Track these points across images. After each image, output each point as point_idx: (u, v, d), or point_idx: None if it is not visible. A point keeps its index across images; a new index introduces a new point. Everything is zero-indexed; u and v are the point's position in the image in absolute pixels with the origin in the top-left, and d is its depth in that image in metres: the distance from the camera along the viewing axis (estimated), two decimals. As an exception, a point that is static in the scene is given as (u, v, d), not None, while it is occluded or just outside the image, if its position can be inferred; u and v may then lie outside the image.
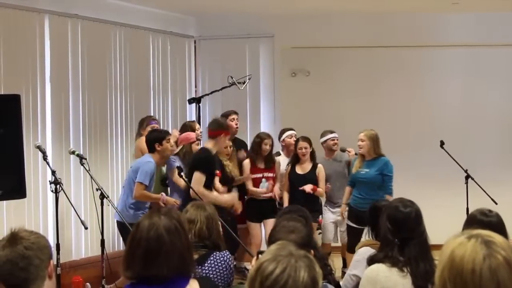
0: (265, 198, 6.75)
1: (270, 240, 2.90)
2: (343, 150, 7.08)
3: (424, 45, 8.33)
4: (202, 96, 7.48)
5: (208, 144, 5.75)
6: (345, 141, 7.09)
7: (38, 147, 5.29)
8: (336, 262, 6.81)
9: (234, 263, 6.01)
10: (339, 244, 7.15)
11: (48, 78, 6.52)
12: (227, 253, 3.52)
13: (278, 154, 7.15)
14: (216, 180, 6.03)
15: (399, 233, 3.14)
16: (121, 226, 5.74)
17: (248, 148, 7.14)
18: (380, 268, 3.11)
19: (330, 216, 6.94)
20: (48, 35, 6.52)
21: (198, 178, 5.45)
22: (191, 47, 8.39)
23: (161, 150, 5.94)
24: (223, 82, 7.49)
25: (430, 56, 8.45)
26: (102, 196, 5.19)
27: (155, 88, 7.83)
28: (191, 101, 7.42)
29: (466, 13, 8.11)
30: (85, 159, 5.40)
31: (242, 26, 8.23)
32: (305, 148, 6.65)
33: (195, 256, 3.04)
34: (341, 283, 3.82)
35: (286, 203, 6.62)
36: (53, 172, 5.17)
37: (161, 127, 7.02)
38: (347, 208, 6.68)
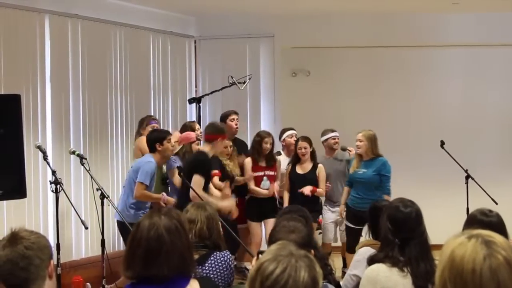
0: (265, 197, 6.75)
1: (271, 240, 2.90)
2: (343, 149, 7.08)
3: (424, 45, 8.33)
4: (202, 96, 7.48)
5: (205, 147, 5.75)
6: (345, 141, 7.09)
7: (39, 147, 5.29)
8: (336, 262, 6.82)
9: (235, 263, 6.03)
10: (339, 244, 7.15)
11: (48, 78, 6.52)
12: (228, 253, 3.52)
13: (279, 153, 7.15)
14: (216, 180, 6.04)
15: (399, 233, 3.14)
16: (122, 226, 5.73)
17: (249, 147, 7.14)
18: (380, 268, 3.12)
19: (330, 216, 6.94)
20: (48, 35, 6.52)
21: (198, 180, 5.45)
22: (191, 47, 8.39)
23: (162, 150, 5.94)
24: (223, 82, 7.49)
25: (430, 56, 8.45)
26: (103, 196, 5.19)
27: (155, 88, 7.83)
28: (191, 101, 7.42)
29: (466, 13, 8.11)
30: (85, 159, 5.40)
31: (243, 26, 8.23)
32: (305, 148, 6.65)
33: (196, 256, 3.04)
34: (341, 283, 3.82)
35: (286, 203, 6.62)
36: (54, 172, 5.17)
37: (161, 127, 7.02)
38: (345, 208, 6.69)
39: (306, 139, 6.70)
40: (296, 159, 6.75)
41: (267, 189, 6.72)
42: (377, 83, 8.36)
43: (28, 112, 6.15)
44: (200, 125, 7.01)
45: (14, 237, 2.24)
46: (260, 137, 6.80)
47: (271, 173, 6.78)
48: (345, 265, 6.93)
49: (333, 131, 7.06)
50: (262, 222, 6.81)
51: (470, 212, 3.57)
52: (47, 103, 6.50)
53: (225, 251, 3.50)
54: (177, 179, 5.94)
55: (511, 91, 8.35)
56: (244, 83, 7.37)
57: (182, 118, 7.95)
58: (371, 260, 3.23)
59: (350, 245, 6.55)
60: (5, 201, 5.64)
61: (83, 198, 6.69)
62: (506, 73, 8.36)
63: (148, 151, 6.03)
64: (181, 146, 6.33)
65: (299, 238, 2.79)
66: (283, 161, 6.99)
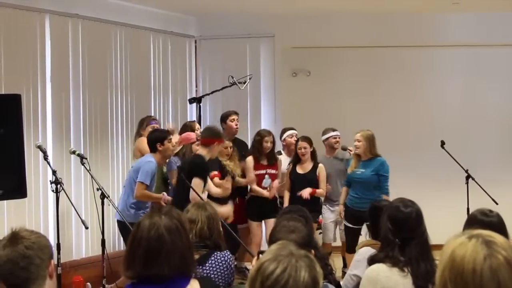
0: (266, 197, 6.74)
1: (271, 240, 2.90)
2: (344, 149, 7.08)
3: (424, 45, 8.33)
4: (203, 96, 7.48)
5: (202, 151, 5.74)
6: (345, 141, 7.08)
7: (39, 147, 5.29)
8: (336, 262, 6.82)
9: (235, 263, 6.03)
10: (339, 244, 7.15)
11: (49, 78, 6.52)
12: (228, 253, 3.52)
13: (279, 153, 7.15)
14: (216, 180, 6.04)
15: (399, 233, 3.14)
16: (122, 225, 5.73)
17: (249, 147, 7.14)
18: (380, 268, 3.12)
19: (329, 216, 6.94)
20: (48, 35, 6.52)
21: (198, 184, 5.44)
22: (191, 47, 8.39)
23: (163, 150, 5.94)
24: (224, 82, 7.49)
25: (430, 56, 8.45)
26: (103, 196, 5.19)
27: (156, 88, 7.83)
28: (191, 101, 7.42)
29: (466, 13, 8.11)
30: (86, 158, 5.40)
31: (243, 26, 8.23)
32: (304, 148, 6.64)
33: (196, 256, 3.04)
34: (341, 283, 3.82)
35: (286, 203, 6.62)
36: (54, 172, 5.17)
37: (161, 127, 7.01)
38: (343, 208, 6.69)
39: (306, 139, 6.70)
40: (296, 159, 6.75)
41: (267, 187, 6.71)
42: (377, 83, 8.36)
43: (29, 112, 6.16)
44: (200, 125, 7.02)
45: (15, 237, 2.24)
46: (260, 136, 6.80)
47: (273, 171, 6.77)
48: (345, 265, 6.93)
49: (334, 130, 7.07)
50: (263, 221, 6.82)
51: (470, 212, 3.57)
52: (47, 102, 6.50)
53: (225, 251, 3.50)
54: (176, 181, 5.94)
55: (511, 91, 8.35)
56: (244, 83, 7.37)
57: (183, 118, 7.95)
58: (372, 260, 3.23)
59: (349, 245, 6.57)
60: (5, 201, 5.64)
61: (83, 198, 6.69)
62: (507, 73, 8.36)
63: (147, 151, 6.02)
64: (181, 146, 6.33)
65: (299, 238, 2.79)
66: (284, 160, 6.99)
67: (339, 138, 7.07)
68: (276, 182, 6.75)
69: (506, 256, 1.60)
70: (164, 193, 6.02)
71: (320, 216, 6.78)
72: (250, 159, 6.77)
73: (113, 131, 7.24)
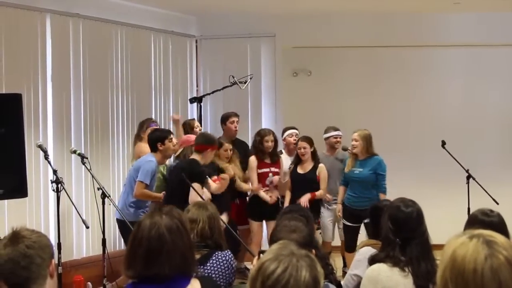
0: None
1: (272, 240, 2.90)
2: (345, 149, 7.07)
3: (425, 45, 8.32)
4: (204, 96, 7.48)
5: (196, 156, 5.73)
6: (346, 141, 7.07)
7: (40, 146, 5.29)
8: (336, 261, 6.81)
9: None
10: (338, 243, 7.15)
11: (50, 77, 6.52)
12: (229, 252, 3.52)
13: (280, 153, 7.14)
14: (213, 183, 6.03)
15: (400, 232, 3.14)
16: (122, 224, 5.73)
17: (250, 147, 7.14)
18: (381, 268, 3.12)
19: (328, 214, 6.93)
20: (49, 34, 6.52)
21: (197, 187, 5.44)
22: (192, 47, 8.39)
23: (163, 150, 5.94)
24: (225, 82, 7.49)
25: (431, 56, 8.44)
26: (104, 195, 5.19)
27: (157, 88, 7.83)
28: (192, 100, 7.43)
29: (467, 13, 8.11)
30: (87, 158, 5.40)
31: (244, 25, 8.23)
32: (304, 148, 6.63)
33: (197, 256, 3.04)
34: (342, 282, 3.82)
35: (287, 203, 6.61)
36: (55, 171, 5.17)
37: (161, 127, 7.01)
38: (341, 208, 6.69)
39: (306, 139, 6.69)
40: (298, 159, 6.74)
41: (271, 184, 6.70)
42: (378, 83, 8.36)
43: (29, 111, 6.16)
44: (201, 124, 7.02)
45: (16, 236, 2.24)
46: (260, 136, 6.79)
47: (276, 169, 6.77)
48: (345, 265, 6.93)
49: (335, 129, 7.06)
50: (264, 222, 6.81)
51: (471, 212, 3.57)
52: (48, 102, 6.51)
53: (226, 251, 3.51)
54: None
55: (512, 91, 8.36)
56: (245, 82, 7.37)
57: (183, 117, 7.92)
58: (372, 260, 3.23)
59: (348, 244, 6.59)
60: (6, 200, 5.64)
61: (84, 197, 6.69)
62: (507, 73, 8.35)
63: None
64: (181, 149, 6.33)
65: (300, 238, 2.79)
66: (284, 160, 6.98)
67: (340, 138, 7.07)
68: (276, 178, 6.72)
69: (507, 256, 1.60)
70: (164, 192, 6.02)
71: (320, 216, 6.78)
72: (253, 159, 6.77)
73: (114, 131, 7.24)
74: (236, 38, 8.30)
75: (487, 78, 8.35)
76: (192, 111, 8.07)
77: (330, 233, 6.98)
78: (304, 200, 6.45)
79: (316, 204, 6.69)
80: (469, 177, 6.33)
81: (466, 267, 1.60)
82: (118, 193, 6.74)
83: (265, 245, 6.40)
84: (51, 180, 5.22)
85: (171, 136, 6.06)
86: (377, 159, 6.46)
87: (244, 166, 6.84)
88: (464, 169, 6.36)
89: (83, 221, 5.06)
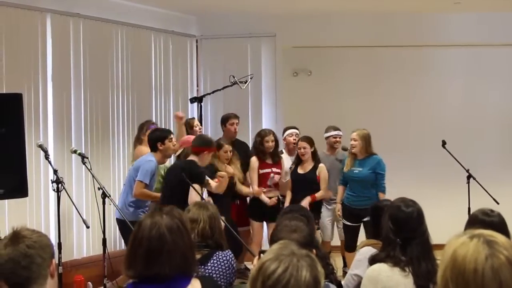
0: (271, 197, 6.73)
1: (272, 240, 2.90)
2: (344, 149, 7.07)
3: (425, 45, 8.32)
4: (204, 96, 7.47)
5: (193, 158, 5.73)
6: (346, 141, 7.08)
7: (40, 146, 5.29)
8: (337, 261, 6.81)
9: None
10: (337, 242, 7.15)
11: (50, 77, 6.52)
12: (230, 252, 3.52)
13: (281, 152, 7.14)
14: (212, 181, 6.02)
15: (401, 232, 3.14)
16: (121, 224, 5.73)
17: (250, 147, 7.14)
18: (382, 268, 3.12)
19: (327, 214, 6.93)
20: (50, 34, 6.52)
21: (198, 189, 5.44)
22: (192, 47, 8.40)
23: (163, 149, 5.94)
24: (225, 82, 7.48)
25: (431, 56, 8.44)
26: (104, 195, 5.19)
27: (157, 87, 7.83)
28: (192, 100, 7.42)
29: (467, 13, 8.11)
30: (87, 158, 5.40)
31: (244, 25, 8.23)
32: (304, 148, 6.63)
33: (198, 256, 3.04)
34: (342, 282, 3.82)
35: (287, 203, 6.60)
36: (55, 171, 5.17)
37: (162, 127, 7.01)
38: (340, 207, 6.68)
39: (307, 139, 6.69)
40: (299, 159, 6.74)
41: (272, 185, 6.70)
42: (378, 82, 8.36)
43: (30, 111, 6.16)
44: (201, 124, 7.02)
45: (16, 236, 2.24)
46: (261, 136, 6.79)
47: (278, 170, 6.77)
48: (345, 264, 6.93)
49: (335, 129, 7.07)
50: (265, 223, 6.81)
51: (471, 212, 3.57)
52: (48, 102, 6.51)
53: (227, 251, 3.50)
54: None
55: (513, 91, 8.35)
56: (245, 82, 7.36)
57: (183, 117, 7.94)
58: (373, 260, 3.23)
59: (348, 244, 6.59)
60: (6, 200, 5.64)
61: (84, 197, 6.69)
62: (508, 73, 8.35)
63: None
64: (181, 149, 6.32)
65: (301, 238, 2.79)
66: (285, 160, 6.98)
67: (339, 138, 7.07)
68: (277, 177, 6.72)
69: (507, 256, 1.60)
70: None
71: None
72: (254, 160, 6.76)
73: (114, 130, 7.24)
74: (236, 38, 8.30)
75: (487, 78, 8.35)
76: (192, 111, 8.07)
77: (329, 232, 6.99)
78: (304, 204, 6.43)
79: (316, 204, 6.69)
80: (469, 177, 6.33)
81: (467, 267, 1.60)
82: (119, 193, 6.74)
83: (265, 246, 6.41)
84: (51, 180, 5.22)
85: (171, 136, 6.06)
86: (376, 159, 6.46)
87: (245, 167, 6.83)
88: (465, 169, 6.36)
89: (84, 221, 5.06)
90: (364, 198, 6.32)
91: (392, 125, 8.16)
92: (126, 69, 7.36)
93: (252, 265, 3.22)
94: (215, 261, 3.41)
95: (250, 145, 7.23)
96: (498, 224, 3.20)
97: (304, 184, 6.59)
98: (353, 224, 6.49)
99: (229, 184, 6.11)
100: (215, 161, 6.25)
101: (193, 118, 7.10)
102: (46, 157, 5.21)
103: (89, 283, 6.29)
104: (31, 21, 6.34)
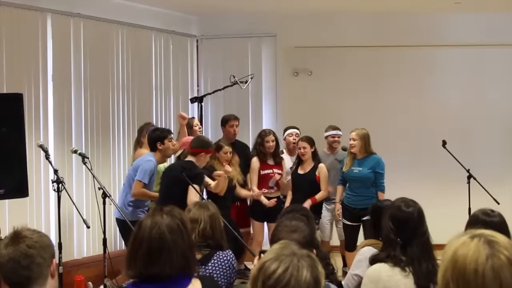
0: (271, 197, 6.73)
1: (273, 240, 2.90)
2: (344, 149, 7.07)
3: (426, 45, 8.31)
4: (204, 95, 7.47)
5: (191, 158, 5.73)
6: (346, 140, 7.07)
7: (41, 146, 5.28)
8: (337, 261, 6.81)
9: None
10: (337, 242, 7.14)
11: (51, 77, 6.52)
12: (230, 252, 3.52)
13: (282, 152, 7.14)
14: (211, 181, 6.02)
15: (401, 232, 3.14)
16: (121, 223, 5.73)
17: (251, 147, 7.14)
18: (382, 268, 3.12)
19: (325, 214, 6.93)
20: (50, 34, 6.52)
21: (197, 189, 5.44)
22: (193, 46, 8.40)
23: (163, 149, 5.93)
24: (225, 81, 7.48)
25: (432, 55, 8.44)
26: (104, 195, 5.18)
27: (157, 87, 7.83)
28: (193, 100, 7.42)
29: (468, 13, 8.11)
30: (87, 158, 5.39)
31: (244, 25, 8.23)
32: (304, 148, 6.63)
33: (199, 256, 3.04)
34: (343, 282, 3.82)
35: (288, 203, 6.60)
36: (55, 171, 5.16)
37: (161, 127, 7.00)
38: (340, 207, 6.68)
39: (307, 139, 6.68)
40: (300, 160, 6.74)
41: (273, 186, 6.70)
42: (378, 82, 8.36)
43: (30, 111, 6.16)
44: (201, 124, 7.01)
45: (17, 236, 2.24)
46: (261, 137, 6.80)
47: (279, 170, 6.77)
48: (345, 264, 6.93)
49: (334, 129, 7.08)
50: (266, 224, 6.80)
51: (472, 212, 3.57)
52: (49, 102, 6.51)
53: (227, 251, 3.51)
54: None
55: (513, 90, 8.35)
56: (246, 82, 7.36)
57: (184, 117, 7.95)
58: (373, 260, 3.23)
59: (349, 243, 6.59)
60: (7, 200, 5.64)
61: (85, 197, 6.69)
62: (508, 73, 8.34)
63: None
64: (181, 150, 6.32)
65: (301, 238, 2.79)
66: (286, 159, 6.98)
67: (338, 137, 7.08)
68: (277, 176, 6.72)
69: (508, 256, 1.60)
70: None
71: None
72: (255, 160, 6.76)
73: (115, 130, 7.24)
74: (237, 38, 8.30)
75: (487, 78, 8.34)
76: (192, 110, 8.07)
77: (328, 232, 7.00)
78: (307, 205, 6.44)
79: (317, 205, 6.69)
80: (470, 177, 6.33)
81: (467, 267, 1.60)
82: (119, 193, 6.74)
83: (266, 246, 6.40)
84: (52, 180, 5.20)
85: (171, 135, 6.05)
86: (376, 158, 6.46)
87: (245, 169, 6.82)
88: (465, 168, 6.36)
89: (84, 221, 5.05)
90: (363, 198, 6.32)
91: (392, 125, 8.15)
92: (126, 69, 7.36)
93: (252, 265, 3.21)
94: (215, 261, 3.41)
95: (251, 145, 7.23)
96: (498, 224, 3.21)
97: (304, 184, 6.59)
98: (353, 224, 6.50)
99: (229, 186, 6.12)
100: (214, 162, 6.24)
101: (193, 118, 7.10)
102: (47, 157, 5.20)
103: (89, 283, 6.30)
104: (31, 21, 6.34)
